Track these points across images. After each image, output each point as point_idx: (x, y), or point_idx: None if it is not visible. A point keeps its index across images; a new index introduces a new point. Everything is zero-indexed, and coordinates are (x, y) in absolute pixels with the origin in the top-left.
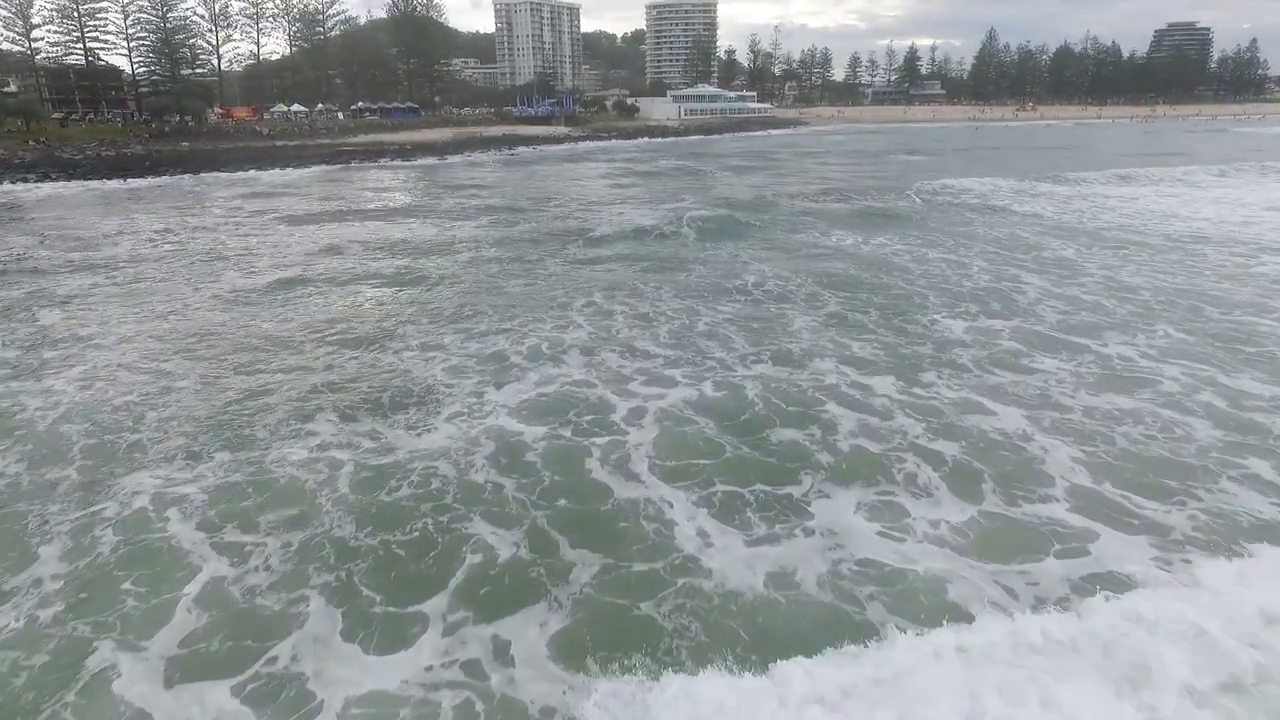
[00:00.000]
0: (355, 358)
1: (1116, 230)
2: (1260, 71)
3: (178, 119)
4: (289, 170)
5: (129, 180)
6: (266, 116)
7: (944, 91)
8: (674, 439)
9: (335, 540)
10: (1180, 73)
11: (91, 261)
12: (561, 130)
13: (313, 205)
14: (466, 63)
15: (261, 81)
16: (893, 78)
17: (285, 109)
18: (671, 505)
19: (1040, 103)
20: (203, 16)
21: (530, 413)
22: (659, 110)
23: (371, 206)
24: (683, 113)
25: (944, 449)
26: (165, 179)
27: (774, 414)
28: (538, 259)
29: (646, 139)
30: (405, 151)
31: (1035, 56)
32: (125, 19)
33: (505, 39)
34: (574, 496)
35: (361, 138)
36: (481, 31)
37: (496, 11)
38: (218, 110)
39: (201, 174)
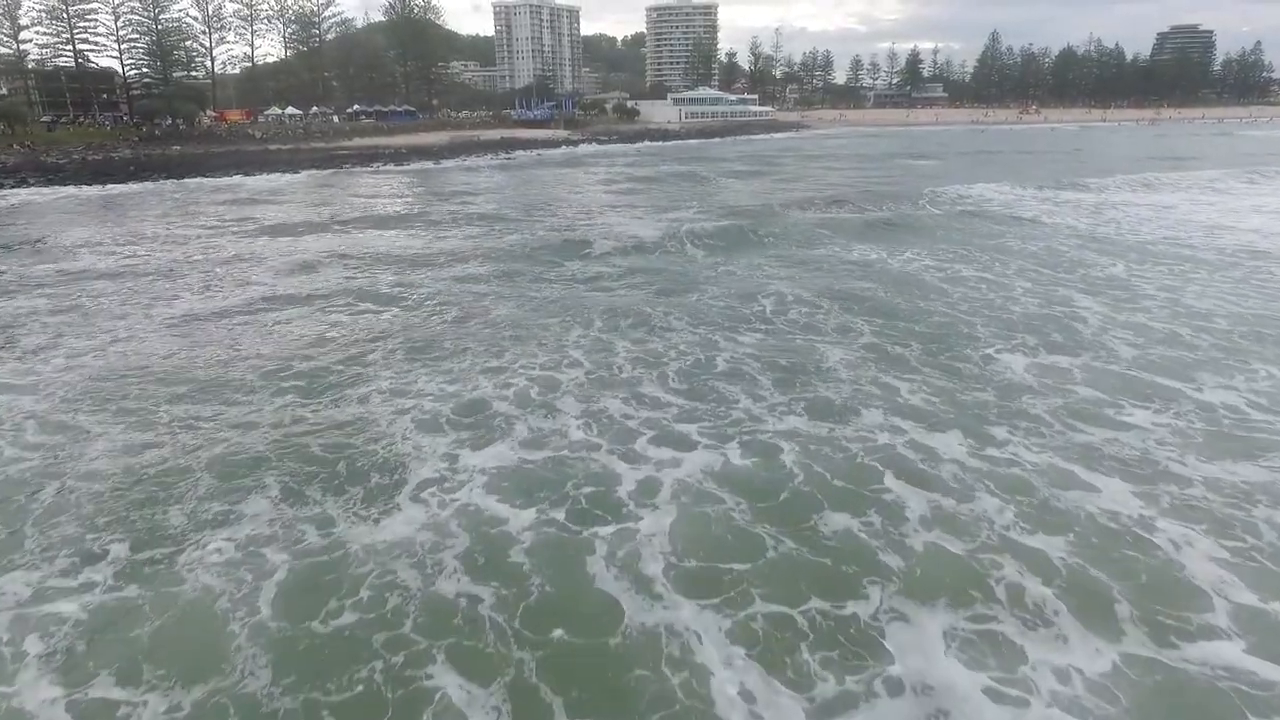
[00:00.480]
0: (311, 406)
1: (1162, 244)
2: (1264, 74)
3: (169, 122)
4: (277, 175)
5: (109, 186)
6: (260, 120)
7: (946, 94)
8: (697, 527)
9: (242, 701)
10: (1184, 75)
11: (41, 279)
12: (560, 133)
13: (294, 214)
14: (466, 65)
15: (256, 84)
16: (894, 80)
17: (279, 112)
18: (700, 638)
19: (1043, 105)
20: (195, 18)
21: (516, 486)
22: (659, 113)
23: (356, 216)
24: (683, 116)
25: (1048, 547)
26: (147, 184)
27: (819, 490)
28: (530, 279)
29: (647, 142)
30: (400, 156)
31: (1038, 59)
32: (116, 20)
33: (505, 41)
34: (571, 623)
35: (356, 141)
36: (481, 34)
37: (496, 14)
38: (210, 113)
39: (185, 180)
